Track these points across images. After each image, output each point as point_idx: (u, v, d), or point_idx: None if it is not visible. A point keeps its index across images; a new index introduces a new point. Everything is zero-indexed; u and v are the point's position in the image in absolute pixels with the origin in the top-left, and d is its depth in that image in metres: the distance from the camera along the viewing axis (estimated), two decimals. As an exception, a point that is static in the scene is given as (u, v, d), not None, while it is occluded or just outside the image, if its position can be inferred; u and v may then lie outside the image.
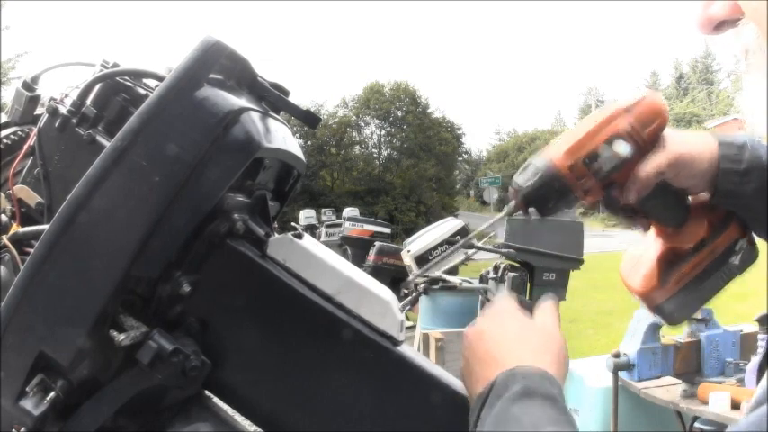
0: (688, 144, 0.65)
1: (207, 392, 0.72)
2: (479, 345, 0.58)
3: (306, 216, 9.88)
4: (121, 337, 0.59)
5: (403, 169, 27.69)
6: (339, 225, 8.94)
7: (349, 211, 9.40)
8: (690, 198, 0.70)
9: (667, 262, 0.69)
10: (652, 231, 0.71)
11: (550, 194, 0.62)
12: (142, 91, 0.69)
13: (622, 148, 0.61)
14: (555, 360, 0.56)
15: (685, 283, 0.69)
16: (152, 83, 0.71)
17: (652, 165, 0.63)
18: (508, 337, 0.57)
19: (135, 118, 0.58)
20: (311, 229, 9.10)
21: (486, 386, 0.54)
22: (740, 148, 0.67)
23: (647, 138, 0.62)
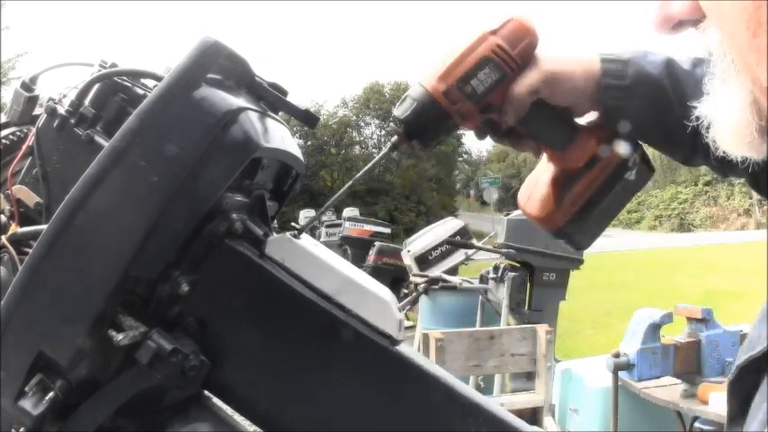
0: (562, 61, 0.65)
1: (206, 392, 0.72)
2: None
3: (306, 216, 9.89)
4: (120, 336, 0.59)
5: (403, 169, 27.71)
6: (339, 225, 8.95)
7: (349, 211, 9.42)
8: (578, 119, 0.69)
9: (561, 184, 0.69)
10: (545, 157, 0.71)
11: (429, 122, 0.62)
12: (140, 91, 0.69)
13: (492, 69, 0.61)
14: None
15: (582, 203, 0.68)
16: (150, 83, 0.71)
17: (523, 83, 0.63)
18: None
19: (133, 118, 0.58)
20: (311, 229, 9.10)
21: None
22: (624, 63, 0.67)
23: (517, 57, 0.62)
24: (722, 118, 0.36)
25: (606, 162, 0.68)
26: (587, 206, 0.68)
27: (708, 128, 0.38)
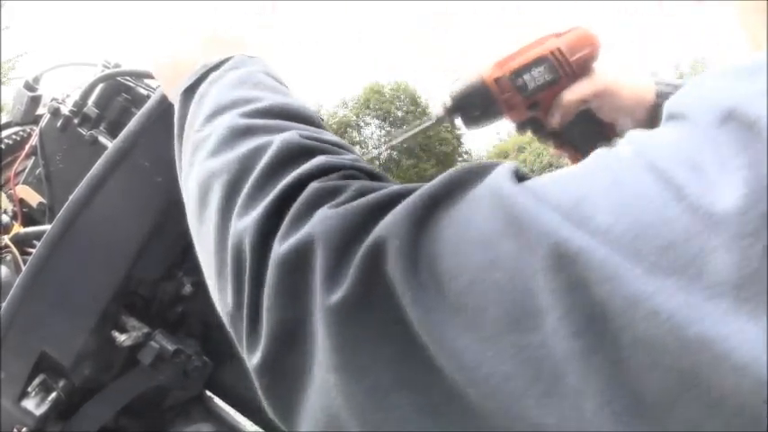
0: (617, 78, 0.66)
1: (208, 393, 0.72)
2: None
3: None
4: (123, 337, 0.59)
5: (403, 169, 27.73)
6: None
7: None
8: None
9: None
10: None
11: (475, 103, 0.65)
12: (144, 91, 0.69)
13: (547, 69, 0.64)
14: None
15: None
16: (154, 83, 0.71)
17: (576, 90, 0.65)
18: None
19: (137, 119, 0.58)
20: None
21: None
22: (676, 88, 0.68)
23: (574, 64, 0.64)
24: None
25: None
26: None
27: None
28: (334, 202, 0.32)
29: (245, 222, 0.33)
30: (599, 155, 0.27)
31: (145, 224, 0.58)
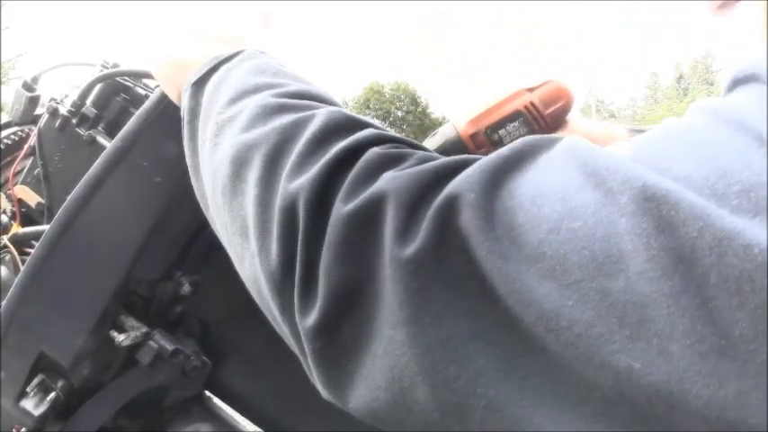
0: (592, 129, 0.68)
1: (207, 393, 0.72)
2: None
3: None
4: (122, 337, 0.59)
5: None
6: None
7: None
8: None
9: None
10: None
11: None
12: (142, 91, 0.69)
13: (521, 124, 0.66)
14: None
15: None
16: (152, 83, 0.71)
17: None
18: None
19: (135, 118, 0.58)
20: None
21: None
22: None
23: (548, 117, 0.66)
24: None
25: None
26: None
27: None
28: (398, 167, 0.32)
29: (297, 183, 0.33)
30: (667, 123, 0.27)
31: (144, 224, 0.58)
